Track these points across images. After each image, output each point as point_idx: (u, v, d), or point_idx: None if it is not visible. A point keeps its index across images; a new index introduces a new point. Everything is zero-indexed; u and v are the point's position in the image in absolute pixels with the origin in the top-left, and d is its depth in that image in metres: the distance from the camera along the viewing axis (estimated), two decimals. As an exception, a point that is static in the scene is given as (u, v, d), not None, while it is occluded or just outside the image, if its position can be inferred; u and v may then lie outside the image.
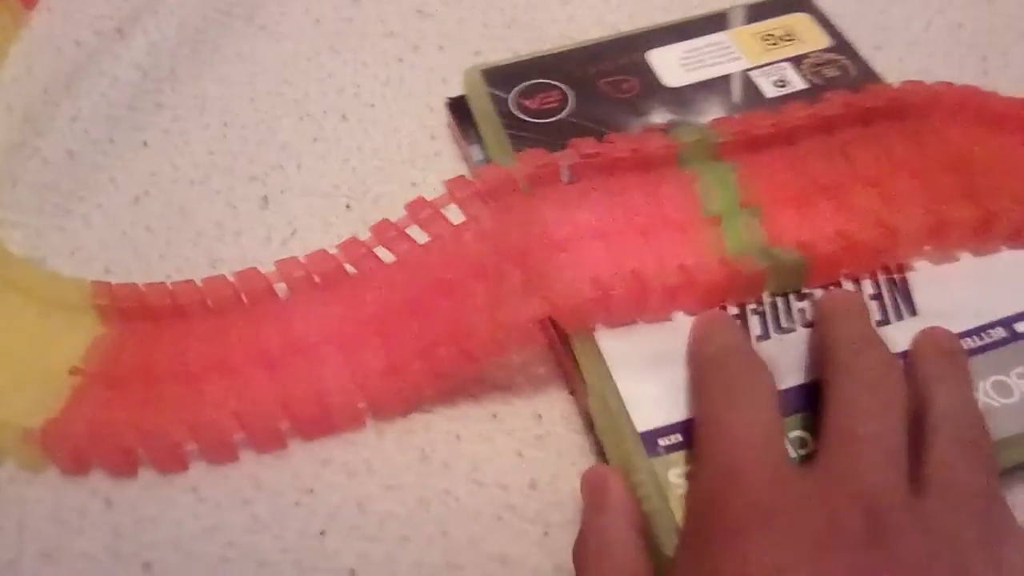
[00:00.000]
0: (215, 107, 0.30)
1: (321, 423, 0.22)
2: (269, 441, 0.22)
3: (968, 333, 0.20)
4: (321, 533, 0.21)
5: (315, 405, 0.22)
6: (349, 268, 0.24)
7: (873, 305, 0.21)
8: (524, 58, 0.27)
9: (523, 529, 0.21)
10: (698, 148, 0.23)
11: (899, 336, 0.20)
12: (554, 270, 0.21)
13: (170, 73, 0.31)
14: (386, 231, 0.23)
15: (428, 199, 0.23)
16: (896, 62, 0.28)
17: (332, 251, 0.24)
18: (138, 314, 0.24)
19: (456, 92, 0.28)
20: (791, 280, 0.21)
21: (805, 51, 0.27)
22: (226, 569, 0.21)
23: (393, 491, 0.21)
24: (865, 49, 0.27)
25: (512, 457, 0.22)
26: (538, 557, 0.20)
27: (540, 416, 0.22)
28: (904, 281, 0.22)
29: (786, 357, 0.20)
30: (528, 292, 0.21)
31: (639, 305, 0.21)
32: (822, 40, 0.27)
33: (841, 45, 0.27)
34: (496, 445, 0.22)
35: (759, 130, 0.23)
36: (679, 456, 0.19)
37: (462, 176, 0.23)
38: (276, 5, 0.34)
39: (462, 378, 0.22)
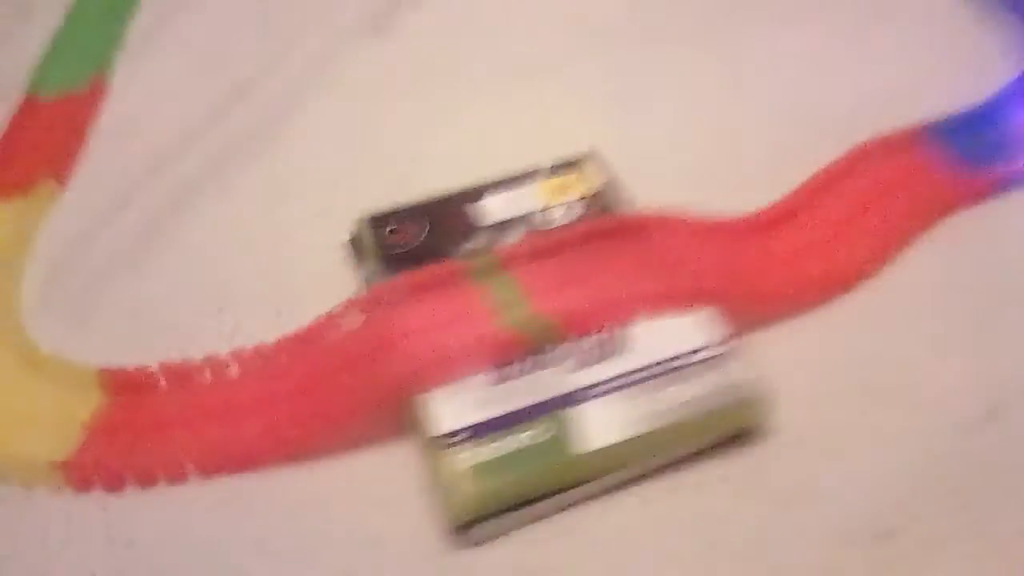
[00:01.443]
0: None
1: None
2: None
3: (653, 364, 0.32)
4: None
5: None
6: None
7: (597, 350, 0.33)
8: (396, 205, 0.40)
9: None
10: (484, 266, 0.35)
11: (606, 370, 0.32)
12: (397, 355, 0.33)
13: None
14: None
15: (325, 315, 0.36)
16: (653, 193, 0.40)
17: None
18: (130, 387, 0.36)
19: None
20: (549, 338, 0.33)
21: (584, 192, 0.40)
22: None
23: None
24: (633, 183, 0.40)
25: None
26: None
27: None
28: (613, 336, 0.33)
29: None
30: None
31: (451, 370, 0.33)
32: (599, 181, 0.40)
33: (611, 184, 0.40)
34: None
35: (526, 249, 0.36)
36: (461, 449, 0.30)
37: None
38: (237, 171, 0.47)
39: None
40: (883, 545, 0.30)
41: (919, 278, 0.38)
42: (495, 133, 0.47)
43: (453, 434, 0.31)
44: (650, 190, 0.40)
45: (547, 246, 0.36)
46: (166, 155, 0.49)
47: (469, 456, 0.30)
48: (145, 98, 0.55)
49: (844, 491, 0.31)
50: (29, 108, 0.54)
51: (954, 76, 0.46)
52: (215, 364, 0.36)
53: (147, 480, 0.34)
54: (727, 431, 0.32)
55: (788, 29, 0.51)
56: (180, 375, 0.36)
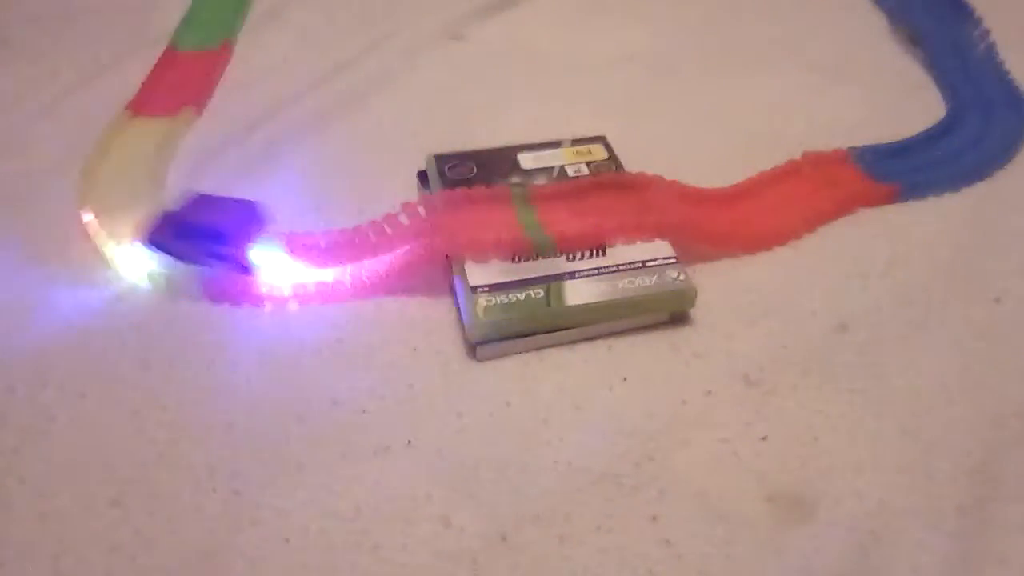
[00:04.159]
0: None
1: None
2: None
3: (621, 263, 0.46)
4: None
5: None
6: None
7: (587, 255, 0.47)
8: (455, 151, 0.55)
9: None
10: (519, 194, 0.50)
11: (587, 264, 0.46)
12: (453, 236, 0.48)
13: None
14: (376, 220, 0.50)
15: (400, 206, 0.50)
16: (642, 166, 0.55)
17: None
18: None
19: (421, 165, 0.56)
20: (549, 249, 0.48)
21: (593, 158, 0.54)
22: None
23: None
24: (628, 159, 0.55)
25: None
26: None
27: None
28: (603, 248, 0.48)
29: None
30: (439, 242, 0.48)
31: (484, 254, 0.47)
32: (603, 154, 0.55)
33: (611, 157, 0.55)
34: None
35: (548, 190, 0.50)
36: (483, 295, 0.45)
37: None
38: (335, 122, 0.62)
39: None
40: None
41: (824, 248, 0.52)
42: (533, 117, 0.63)
43: (479, 287, 0.45)
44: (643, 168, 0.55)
45: (562, 190, 0.51)
46: (279, 104, 0.65)
47: (486, 300, 0.45)
48: (264, 63, 0.72)
49: (755, 346, 0.46)
50: (170, 57, 0.71)
51: (883, 120, 0.61)
52: (311, 236, 0.51)
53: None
54: (664, 310, 0.46)
55: (766, 75, 0.67)
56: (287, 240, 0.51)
